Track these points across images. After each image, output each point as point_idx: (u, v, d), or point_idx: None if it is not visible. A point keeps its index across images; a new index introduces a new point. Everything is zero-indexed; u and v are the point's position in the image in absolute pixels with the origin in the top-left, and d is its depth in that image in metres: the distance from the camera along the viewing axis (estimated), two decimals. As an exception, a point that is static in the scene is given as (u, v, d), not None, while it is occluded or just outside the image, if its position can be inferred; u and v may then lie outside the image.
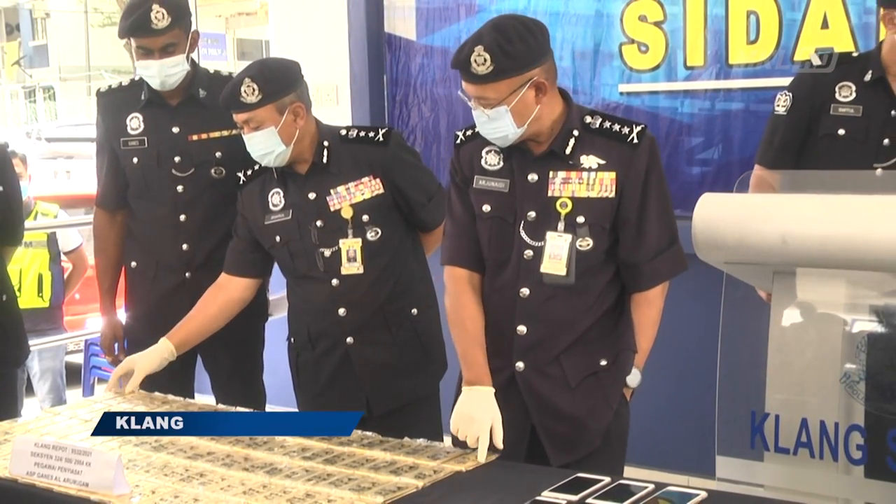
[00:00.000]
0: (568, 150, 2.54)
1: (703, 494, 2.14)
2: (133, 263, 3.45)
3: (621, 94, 4.31)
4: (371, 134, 3.02)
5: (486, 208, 2.61)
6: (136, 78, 3.37)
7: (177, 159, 3.32)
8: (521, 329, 2.58)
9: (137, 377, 2.99)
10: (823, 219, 2.73)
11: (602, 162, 2.52)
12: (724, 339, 3.01)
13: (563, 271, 2.52)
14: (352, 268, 2.96)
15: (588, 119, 2.57)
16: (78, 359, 5.93)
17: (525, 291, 2.57)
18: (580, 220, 2.52)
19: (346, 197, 2.96)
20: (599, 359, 2.59)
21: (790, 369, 2.87)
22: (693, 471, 3.73)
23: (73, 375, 5.76)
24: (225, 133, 3.33)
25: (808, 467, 2.79)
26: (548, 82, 2.49)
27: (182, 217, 3.34)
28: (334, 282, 2.97)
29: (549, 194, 2.54)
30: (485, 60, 2.41)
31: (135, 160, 3.35)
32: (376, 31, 4.90)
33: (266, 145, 2.89)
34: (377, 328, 2.99)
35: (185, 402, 3.01)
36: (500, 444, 2.46)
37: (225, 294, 3.11)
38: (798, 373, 2.85)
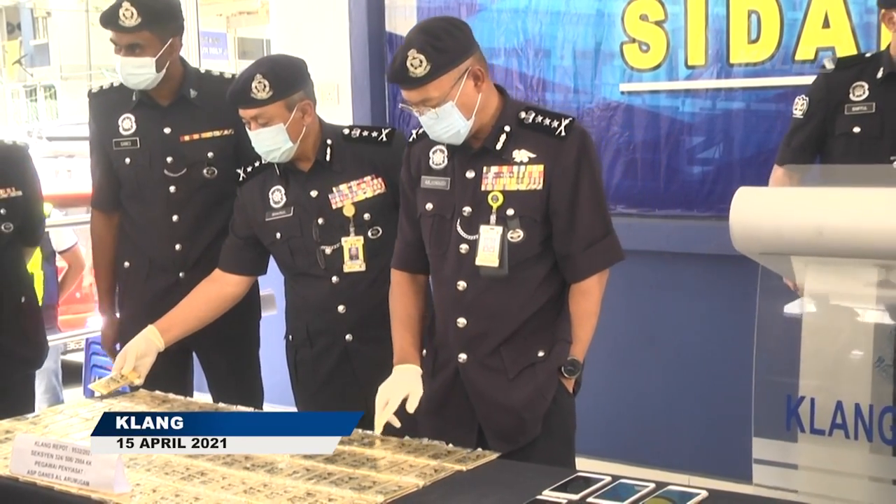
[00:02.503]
0: (499, 146, 2.60)
1: (704, 494, 2.13)
2: (126, 263, 3.44)
3: (622, 93, 4.31)
4: (374, 134, 3.04)
5: (429, 206, 2.69)
6: None
7: (169, 160, 3.31)
8: (461, 321, 2.65)
9: (130, 361, 2.98)
10: (859, 211, 2.78)
11: (532, 155, 2.59)
12: (760, 327, 3.05)
13: (495, 263, 2.58)
14: (354, 265, 2.97)
15: (523, 114, 2.63)
16: (79, 358, 5.92)
17: (462, 285, 2.64)
18: (510, 212, 2.58)
19: (349, 195, 2.97)
20: (538, 350, 2.64)
21: (824, 355, 2.92)
22: (694, 470, 3.74)
23: (75, 374, 5.75)
24: (216, 133, 3.33)
25: (842, 448, 2.84)
26: (482, 71, 2.56)
27: (175, 217, 3.33)
28: (334, 279, 2.98)
29: (483, 189, 2.61)
30: (420, 62, 2.47)
31: (127, 161, 3.34)
32: (377, 29, 4.90)
33: (273, 142, 2.90)
34: (376, 326, 2.99)
35: (186, 402, 3.01)
36: (411, 410, 2.55)
37: (217, 288, 3.12)
38: (833, 358, 2.91)
